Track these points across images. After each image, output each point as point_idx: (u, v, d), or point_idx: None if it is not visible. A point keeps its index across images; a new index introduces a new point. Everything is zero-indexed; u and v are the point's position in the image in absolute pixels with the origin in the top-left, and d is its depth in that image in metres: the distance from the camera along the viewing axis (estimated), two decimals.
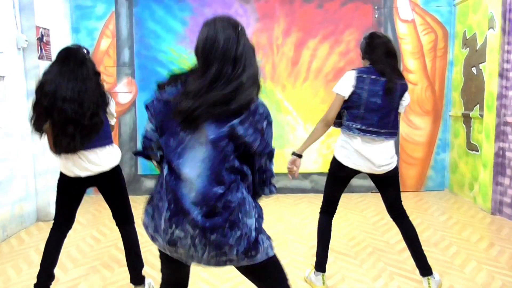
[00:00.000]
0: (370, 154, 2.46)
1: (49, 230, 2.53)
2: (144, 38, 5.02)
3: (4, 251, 3.45)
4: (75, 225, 2.69)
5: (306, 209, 4.59)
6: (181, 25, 5.00)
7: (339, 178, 2.64)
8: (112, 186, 2.55)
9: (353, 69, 2.46)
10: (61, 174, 2.47)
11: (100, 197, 5.24)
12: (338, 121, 2.53)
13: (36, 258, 3.24)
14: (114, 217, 2.63)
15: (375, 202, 4.76)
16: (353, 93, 2.43)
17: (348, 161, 2.51)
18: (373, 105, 2.40)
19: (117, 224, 2.64)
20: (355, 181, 3.64)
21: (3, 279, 2.94)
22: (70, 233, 2.61)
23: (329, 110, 2.49)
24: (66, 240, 2.57)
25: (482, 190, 4.36)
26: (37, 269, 2.49)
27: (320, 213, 2.74)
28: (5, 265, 3.17)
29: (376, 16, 4.99)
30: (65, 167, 2.40)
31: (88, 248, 3.49)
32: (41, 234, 3.81)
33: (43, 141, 4.05)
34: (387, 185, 2.66)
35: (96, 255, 3.34)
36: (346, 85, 2.43)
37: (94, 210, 4.58)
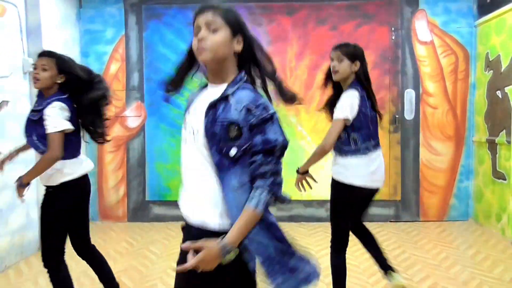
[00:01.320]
0: (382, 167, 2.42)
1: None
2: (153, 62, 4.92)
3: (0, 285, 3.26)
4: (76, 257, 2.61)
5: (322, 240, 4.31)
6: None
7: (354, 205, 2.44)
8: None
9: (351, 88, 2.31)
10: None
11: (106, 224, 5.13)
12: (348, 148, 2.33)
13: None
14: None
15: (395, 232, 4.47)
16: (358, 113, 2.29)
17: (367, 181, 2.33)
18: (374, 117, 2.40)
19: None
20: (373, 210, 3.41)
21: None
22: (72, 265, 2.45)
23: (328, 137, 2.29)
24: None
25: (511, 221, 4.03)
26: None
27: (333, 252, 2.46)
28: None
29: (393, 37, 4.81)
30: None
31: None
32: (41, 265, 3.62)
33: None
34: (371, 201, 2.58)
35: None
36: (353, 108, 2.27)
37: (98, 239, 4.38)
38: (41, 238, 2.41)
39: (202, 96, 1.37)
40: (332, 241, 2.44)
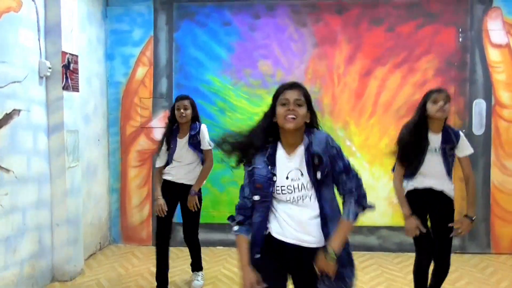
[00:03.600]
0: None
1: None
2: (184, 67, 4.40)
3: None
4: None
5: (374, 272, 3.68)
6: (227, 52, 4.35)
7: None
8: None
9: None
10: None
11: (128, 248, 4.59)
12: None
13: None
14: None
15: (461, 266, 3.76)
16: None
17: None
18: None
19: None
20: None
21: None
22: None
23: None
24: None
25: None
26: None
27: None
28: None
29: (460, 40, 4.15)
30: None
31: None
32: None
33: (63, 186, 3.42)
34: None
35: None
36: None
37: (119, 267, 3.84)
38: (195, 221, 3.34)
39: (283, 162, 1.71)
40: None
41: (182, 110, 3.12)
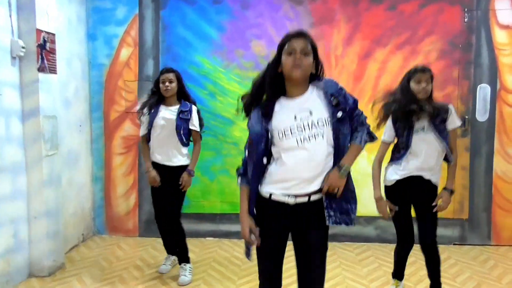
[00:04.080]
0: None
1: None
2: (172, 47, 4.12)
3: None
4: None
5: (372, 265, 3.51)
6: (217, 31, 4.07)
7: None
8: None
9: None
10: None
11: (114, 239, 4.37)
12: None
13: None
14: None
15: (461, 258, 3.60)
16: None
17: None
18: None
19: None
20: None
21: None
22: None
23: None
24: None
25: None
26: None
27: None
28: None
29: (466, 20, 3.90)
30: None
31: None
32: None
33: (40, 175, 3.16)
34: None
35: None
36: None
37: (102, 260, 3.63)
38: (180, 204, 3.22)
39: (288, 106, 1.75)
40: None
41: (167, 83, 3.06)
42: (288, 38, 1.68)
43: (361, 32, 3.98)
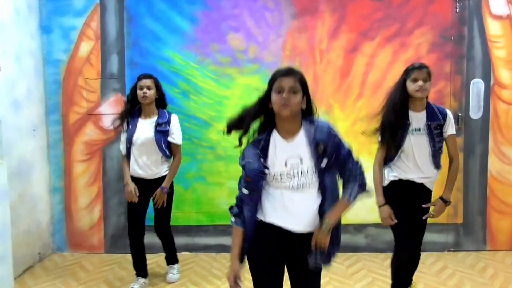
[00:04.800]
0: None
1: None
2: (139, 41, 3.68)
3: None
4: None
5: (365, 280, 3.20)
6: (190, 23, 3.67)
7: None
8: None
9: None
10: None
11: (76, 257, 3.90)
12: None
13: None
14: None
15: (455, 265, 3.34)
16: None
17: None
18: None
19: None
20: (426, 236, 2.67)
21: None
22: None
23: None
24: None
25: None
26: None
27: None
28: None
29: (457, 10, 3.65)
30: None
31: None
32: None
33: None
34: None
35: None
36: None
37: (60, 284, 3.16)
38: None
39: (281, 149, 1.69)
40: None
41: (145, 90, 2.88)
42: (277, 76, 1.67)
43: (347, 24, 3.67)
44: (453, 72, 3.68)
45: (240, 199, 1.77)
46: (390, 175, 2.52)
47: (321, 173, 1.65)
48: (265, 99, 1.70)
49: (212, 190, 3.73)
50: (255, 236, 1.73)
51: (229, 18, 3.66)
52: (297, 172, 1.65)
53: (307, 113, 1.71)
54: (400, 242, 2.54)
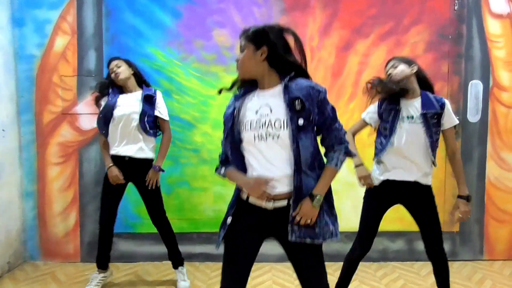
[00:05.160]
0: None
1: None
2: (118, 36, 3.46)
3: None
4: None
5: None
6: (173, 18, 3.45)
7: None
8: None
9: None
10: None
11: (50, 266, 3.66)
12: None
13: None
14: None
15: (451, 275, 3.16)
16: None
17: None
18: None
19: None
20: (420, 245, 2.53)
21: None
22: None
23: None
24: None
25: None
26: None
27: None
28: None
29: (456, 8, 3.47)
30: None
31: None
32: None
33: None
34: None
35: None
36: None
37: None
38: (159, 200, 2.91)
39: (256, 98, 1.68)
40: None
41: (115, 69, 2.81)
42: None
43: (340, 21, 3.47)
44: (451, 72, 3.50)
45: (223, 152, 1.74)
46: (383, 174, 2.37)
47: (297, 132, 1.56)
48: None
49: (196, 196, 3.52)
50: (236, 211, 1.68)
51: (214, 13, 3.45)
52: (265, 122, 1.59)
53: (287, 68, 1.63)
54: (359, 240, 2.49)
